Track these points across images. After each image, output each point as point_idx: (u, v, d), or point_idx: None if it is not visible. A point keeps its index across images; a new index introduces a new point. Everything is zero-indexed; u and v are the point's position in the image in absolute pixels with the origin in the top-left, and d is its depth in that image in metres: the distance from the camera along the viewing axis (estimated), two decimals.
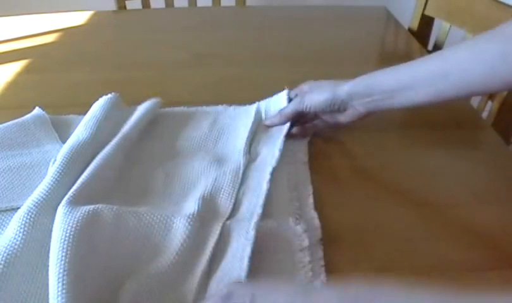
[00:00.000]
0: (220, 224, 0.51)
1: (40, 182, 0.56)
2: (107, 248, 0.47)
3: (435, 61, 0.58)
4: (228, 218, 0.53)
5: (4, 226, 0.51)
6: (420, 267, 0.50)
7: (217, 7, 1.40)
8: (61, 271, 0.42)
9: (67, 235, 0.44)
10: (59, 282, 0.41)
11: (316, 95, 0.65)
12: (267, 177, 0.58)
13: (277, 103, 0.72)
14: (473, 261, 0.51)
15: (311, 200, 0.56)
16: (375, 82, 0.61)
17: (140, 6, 1.36)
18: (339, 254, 0.50)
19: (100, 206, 0.49)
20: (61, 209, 0.48)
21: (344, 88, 0.63)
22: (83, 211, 0.47)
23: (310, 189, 0.58)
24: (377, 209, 0.57)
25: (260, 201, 0.54)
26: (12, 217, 0.52)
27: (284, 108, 0.68)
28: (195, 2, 1.39)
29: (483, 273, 0.49)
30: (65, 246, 0.43)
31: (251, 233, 0.48)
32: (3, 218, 0.53)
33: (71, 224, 0.45)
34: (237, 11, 1.33)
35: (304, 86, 0.69)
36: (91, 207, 0.49)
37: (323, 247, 0.50)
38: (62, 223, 0.46)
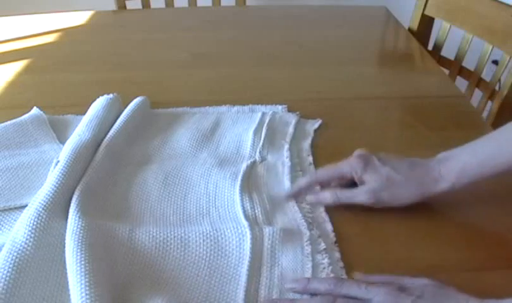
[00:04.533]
0: (246, 236, 0.50)
1: (38, 182, 0.57)
2: (125, 260, 0.48)
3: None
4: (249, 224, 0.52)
5: (2, 225, 0.51)
6: (420, 267, 0.49)
7: (217, 7, 1.40)
8: (81, 273, 0.42)
9: (84, 249, 0.45)
10: (80, 284, 0.41)
11: (396, 189, 0.54)
12: (287, 184, 0.59)
13: (283, 120, 0.71)
14: (473, 261, 0.51)
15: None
16: (481, 170, 0.53)
17: (140, 6, 1.36)
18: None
19: (114, 225, 0.50)
20: (73, 220, 0.48)
21: (443, 188, 0.53)
22: (98, 227, 0.49)
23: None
24: (377, 209, 0.56)
25: (297, 214, 0.54)
26: (9, 216, 0.52)
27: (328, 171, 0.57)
28: (195, 2, 1.39)
29: (483, 272, 0.49)
30: (82, 257, 0.44)
31: (308, 249, 0.49)
32: (1, 217, 0.52)
33: (86, 240, 0.46)
34: (237, 11, 1.33)
35: (377, 163, 0.55)
36: (106, 225, 0.50)
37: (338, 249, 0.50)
38: (77, 237, 0.46)
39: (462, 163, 0.53)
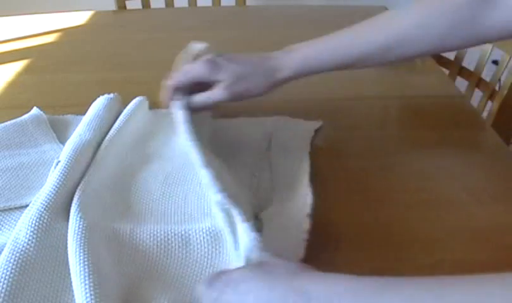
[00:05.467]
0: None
1: (38, 182, 0.57)
2: (127, 260, 0.48)
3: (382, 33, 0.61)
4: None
5: (2, 225, 0.51)
6: (419, 267, 0.50)
7: (217, 7, 1.40)
8: (85, 273, 0.42)
9: (87, 250, 0.45)
10: (85, 285, 0.41)
11: (247, 82, 0.59)
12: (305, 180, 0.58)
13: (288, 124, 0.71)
14: (473, 261, 0.51)
15: (307, 178, 0.57)
16: (320, 63, 0.60)
17: (140, 6, 1.36)
18: (338, 254, 0.50)
19: (115, 225, 0.50)
20: (75, 220, 0.48)
21: (285, 76, 0.59)
22: (99, 228, 0.49)
23: (306, 167, 0.59)
24: (377, 209, 0.57)
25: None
26: (10, 216, 0.52)
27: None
28: (195, 2, 1.39)
29: (483, 273, 0.49)
30: (85, 257, 0.44)
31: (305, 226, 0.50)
32: (1, 217, 0.52)
33: (88, 241, 0.46)
34: (237, 11, 1.33)
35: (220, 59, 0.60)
36: (107, 225, 0.50)
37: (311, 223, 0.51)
38: (79, 237, 0.46)
39: (303, 54, 0.60)
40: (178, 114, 0.59)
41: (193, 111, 0.60)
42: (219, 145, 0.67)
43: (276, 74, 0.59)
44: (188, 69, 0.60)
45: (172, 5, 1.39)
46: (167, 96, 0.61)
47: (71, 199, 0.52)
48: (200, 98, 0.60)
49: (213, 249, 0.49)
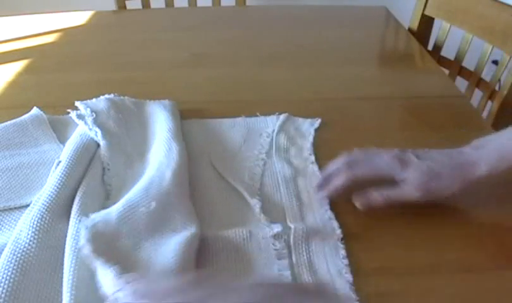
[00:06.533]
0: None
1: (38, 182, 0.57)
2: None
3: None
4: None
5: (2, 225, 0.51)
6: (419, 267, 0.49)
7: (217, 7, 1.40)
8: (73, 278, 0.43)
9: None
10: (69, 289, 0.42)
11: (440, 180, 0.53)
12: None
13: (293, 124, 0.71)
14: (473, 261, 0.51)
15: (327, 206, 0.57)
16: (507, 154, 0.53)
17: (140, 6, 1.36)
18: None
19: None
20: (74, 222, 0.48)
21: (482, 172, 0.52)
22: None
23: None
24: (378, 209, 0.56)
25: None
26: (9, 216, 0.52)
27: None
28: (195, 2, 1.39)
29: (483, 273, 0.49)
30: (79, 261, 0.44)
31: (343, 252, 0.50)
32: (1, 217, 0.52)
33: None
34: (237, 11, 1.33)
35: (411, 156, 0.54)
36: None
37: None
38: (76, 241, 0.46)
39: (499, 146, 0.53)
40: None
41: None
42: (218, 145, 0.67)
43: (471, 171, 0.52)
44: (375, 163, 0.55)
45: (172, 5, 1.39)
46: (343, 186, 0.55)
47: (72, 200, 0.52)
48: (391, 194, 0.54)
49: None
